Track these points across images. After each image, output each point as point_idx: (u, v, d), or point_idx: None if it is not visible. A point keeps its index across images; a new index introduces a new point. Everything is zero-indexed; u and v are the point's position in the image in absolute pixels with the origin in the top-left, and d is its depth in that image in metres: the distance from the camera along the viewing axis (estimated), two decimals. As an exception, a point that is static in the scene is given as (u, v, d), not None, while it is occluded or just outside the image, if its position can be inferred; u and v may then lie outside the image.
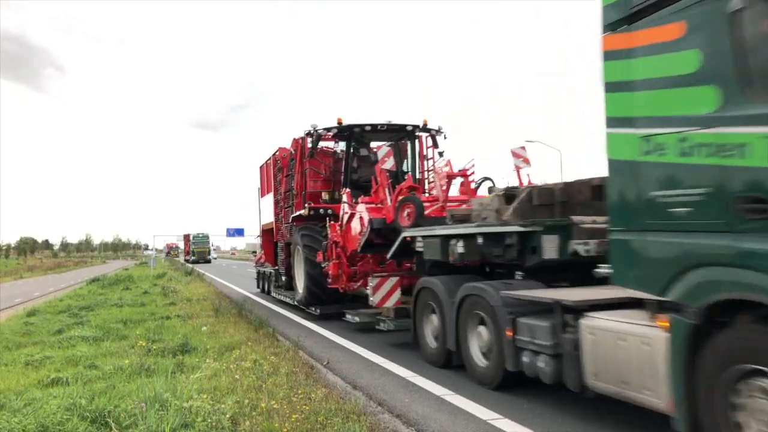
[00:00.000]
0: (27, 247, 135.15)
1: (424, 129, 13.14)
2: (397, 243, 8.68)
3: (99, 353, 8.48)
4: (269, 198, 17.37)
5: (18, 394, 6.03)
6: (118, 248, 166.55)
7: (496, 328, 6.13)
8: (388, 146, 12.19)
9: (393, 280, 9.18)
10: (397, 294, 9.13)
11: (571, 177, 8.30)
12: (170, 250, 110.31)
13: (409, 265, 9.66)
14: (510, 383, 6.16)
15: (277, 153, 15.98)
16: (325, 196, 13.16)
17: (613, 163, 4.64)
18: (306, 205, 12.69)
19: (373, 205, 9.98)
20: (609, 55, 4.69)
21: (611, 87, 4.66)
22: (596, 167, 8.04)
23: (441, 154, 13.10)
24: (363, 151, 13.45)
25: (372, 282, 9.16)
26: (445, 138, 13.24)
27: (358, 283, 10.76)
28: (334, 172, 13.67)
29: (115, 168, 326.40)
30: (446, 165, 10.36)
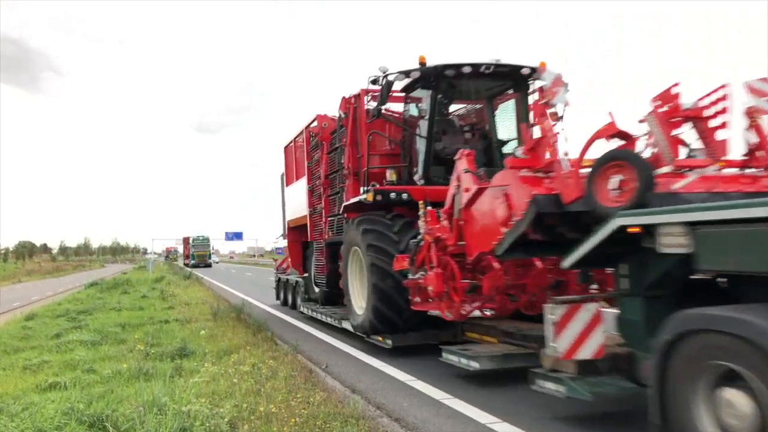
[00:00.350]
0: (25, 250, 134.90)
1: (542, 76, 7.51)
2: (598, 239, 4.51)
3: (97, 357, 8.47)
4: (300, 185, 13.16)
5: (15, 399, 6.03)
6: (116, 252, 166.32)
7: None
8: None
9: (591, 309, 4.97)
10: (599, 335, 4.92)
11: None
12: (169, 254, 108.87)
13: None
14: None
15: (314, 125, 11.89)
16: (390, 176, 9.13)
17: None
18: (367, 188, 8.89)
19: (529, 173, 5.43)
20: None
21: None
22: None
23: (560, 116, 7.20)
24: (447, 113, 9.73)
25: (554, 312, 4.95)
26: (567, 90, 7.10)
27: (475, 305, 7.26)
28: (404, 143, 9.45)
29: (114, 171, 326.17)
30: (667, 100, 5.28)
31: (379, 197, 8.60)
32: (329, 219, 11.24)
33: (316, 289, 12.65)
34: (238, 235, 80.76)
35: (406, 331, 8.44)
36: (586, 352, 4.93)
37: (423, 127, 8.95)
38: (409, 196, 8.48)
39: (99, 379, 6.98)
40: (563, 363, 5.07)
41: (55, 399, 5.76)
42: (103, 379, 6.91)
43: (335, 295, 10.96)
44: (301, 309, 13.85)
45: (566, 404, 5.80)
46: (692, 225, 3.88)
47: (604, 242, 4.52)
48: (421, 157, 8.89)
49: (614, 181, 4.67)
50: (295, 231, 14.21)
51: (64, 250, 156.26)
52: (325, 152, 11.39)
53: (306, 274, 13.64)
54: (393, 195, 8.60)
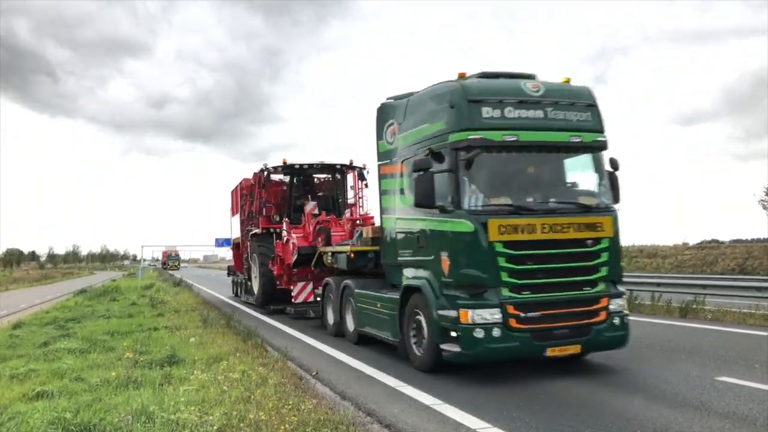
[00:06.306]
0: (13, 258, 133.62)
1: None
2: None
3: (85, 366, 8.38)
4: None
5: (2, 409, 5.95)
6: (105, 259, 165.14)
7: None
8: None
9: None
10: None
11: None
12: (167, 260, 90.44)
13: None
14: None
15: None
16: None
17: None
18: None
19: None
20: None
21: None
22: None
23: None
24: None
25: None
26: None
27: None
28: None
29: (103, 177, 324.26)
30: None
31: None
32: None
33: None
34: (228, 242, 79.62)
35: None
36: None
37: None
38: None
39: (87, 387, 6.89)
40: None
41: (41, 408, 5.69)
42: (91, 388, 6.83)
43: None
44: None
45: (557, 411, 5.82)
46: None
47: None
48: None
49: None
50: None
51: (52, 257, 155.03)
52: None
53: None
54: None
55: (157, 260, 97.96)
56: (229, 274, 26.68)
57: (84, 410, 5.51)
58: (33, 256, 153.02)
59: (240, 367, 7.49)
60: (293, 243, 14.22)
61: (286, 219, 15.55)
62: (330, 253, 11.93)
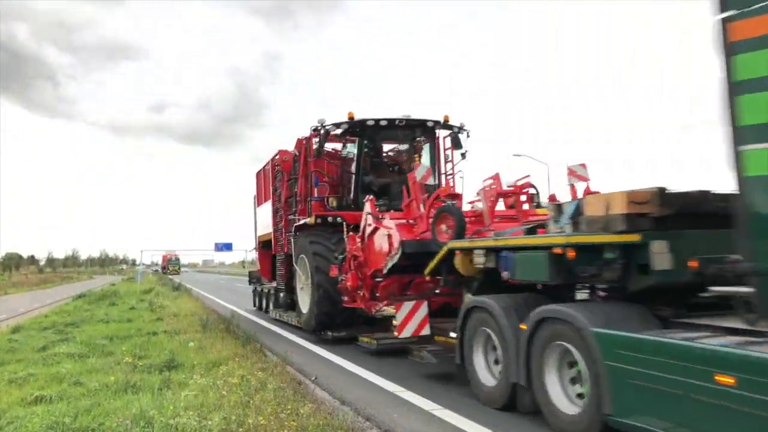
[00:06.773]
0: (12, 262, 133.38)
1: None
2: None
3: (84, 370, 8.36)
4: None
5: (1, 413, 5.94)
6: (105, 263, 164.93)
7: None
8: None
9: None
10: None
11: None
12: (167, 264, 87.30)
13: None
14: None
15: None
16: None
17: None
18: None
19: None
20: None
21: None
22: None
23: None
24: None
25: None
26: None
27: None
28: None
29: (103, 181, 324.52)
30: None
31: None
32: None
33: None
34: (227, 246, 79.06)
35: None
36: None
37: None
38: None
39: (86, 392, 6.87)
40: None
41: (40, 413, 5.68)
42: (90, 392, 6.81)
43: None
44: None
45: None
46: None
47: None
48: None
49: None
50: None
51: (51, 261, 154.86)
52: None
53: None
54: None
55: (156, 264, 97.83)
56: (251, 282, 20.49)
57: (83, 415, 5.50)
58: (32, 260, 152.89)
59: (239, 372, 7.48)
60: (391, 235, 8.25)
61: (371, 198, 9.44)
62: (484, 251, 6.44)
